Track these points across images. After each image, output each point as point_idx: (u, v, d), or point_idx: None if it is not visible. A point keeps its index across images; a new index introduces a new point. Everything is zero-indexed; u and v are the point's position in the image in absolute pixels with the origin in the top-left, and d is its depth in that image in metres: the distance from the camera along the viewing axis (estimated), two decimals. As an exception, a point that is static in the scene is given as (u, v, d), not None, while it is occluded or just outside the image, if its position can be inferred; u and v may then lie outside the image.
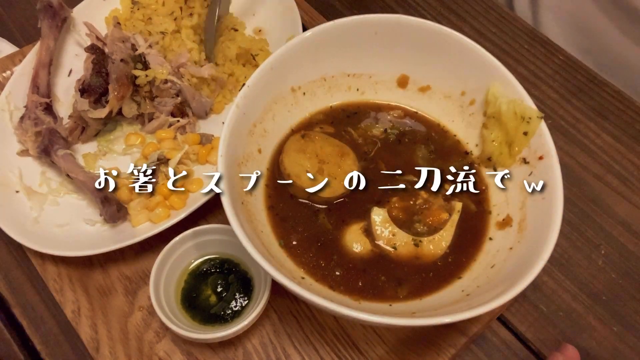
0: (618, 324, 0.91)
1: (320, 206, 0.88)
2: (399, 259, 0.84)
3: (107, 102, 1.00)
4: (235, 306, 0.86)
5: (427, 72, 0.96)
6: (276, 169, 0.91)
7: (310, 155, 0.89)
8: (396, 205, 0.88)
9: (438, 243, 0.85)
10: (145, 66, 1.04)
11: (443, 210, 0.87)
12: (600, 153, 1.07)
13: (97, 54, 1.03)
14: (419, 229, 0.86)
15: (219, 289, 0.87)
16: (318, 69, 0.95)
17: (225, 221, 0.74)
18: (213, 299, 0.87)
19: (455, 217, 0.86)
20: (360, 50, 0.94)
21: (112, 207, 0.92)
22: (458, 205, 0.87)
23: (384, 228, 0.86)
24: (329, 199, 0.88)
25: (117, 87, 1.00)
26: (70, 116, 1.03)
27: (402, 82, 0.98)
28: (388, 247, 0.85)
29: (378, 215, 0.86)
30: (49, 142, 0.97)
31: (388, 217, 0.86)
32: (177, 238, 0.87)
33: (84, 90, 1.01)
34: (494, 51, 0.89)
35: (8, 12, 1.31)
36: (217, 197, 0.79)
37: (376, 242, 0.85)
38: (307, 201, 0.88)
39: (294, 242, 0.85)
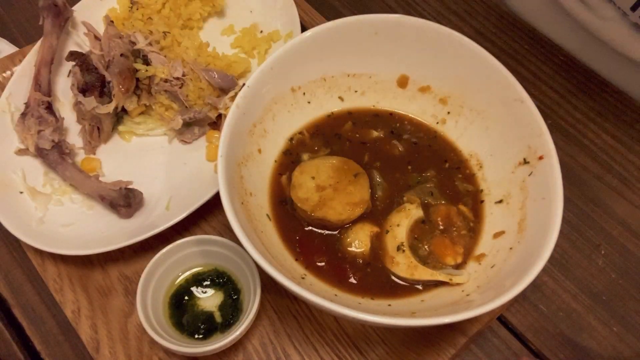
0: (618, 324, 0.91)
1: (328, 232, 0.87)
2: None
3: (112, 95, 1.01)
4: (226, 317, 0.85)
5: (427, 72, 0.95)
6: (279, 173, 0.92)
7: (320, 181, 0.88)
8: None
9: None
10: (146, 61, 1.04)
11: (452, 251, 0.84)
12: (600, 153, 1.07)
13: (78, 57, 1.04)
14: (420, 252, 0.85)
15: (208, 302, 0.86)
16: (318, 69, 0.95)
17: (223, 222, 0.74)
18: (202, 311, 0.86)
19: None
20: (360, 50, 0.94)
21: (122, 208, 0.93)
22: (462, 278, 0.81)
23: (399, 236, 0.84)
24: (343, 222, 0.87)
25: (122, 80, 1.00)
26: (82, 120, 1.04)
27: (402, 82, 0.98)
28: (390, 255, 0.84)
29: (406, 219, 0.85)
30: (54, 160, 0.99)
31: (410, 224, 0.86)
32: (157, 256, 0.85)
33: (84, 89, 1.02)
34: (494, 51, 0.89)
35: (8, 12, 1.31)
36: (217, 197, 0.79)
37: (383, 246, 0.85)
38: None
39: (295, 242, 0.86)
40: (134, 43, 1.06)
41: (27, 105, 1.02)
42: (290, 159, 0.93)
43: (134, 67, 1.03)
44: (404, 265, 0.83)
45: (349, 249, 0.85)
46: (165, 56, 1.06)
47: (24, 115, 1.01)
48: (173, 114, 1.04)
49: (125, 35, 1.07)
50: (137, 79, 1.04)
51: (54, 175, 1.00)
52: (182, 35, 1.10)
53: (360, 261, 0.84)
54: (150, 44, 1.06)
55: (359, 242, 0.85)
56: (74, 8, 1.14)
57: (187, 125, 1.04)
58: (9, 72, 1.13)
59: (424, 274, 0.82)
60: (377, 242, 0.86)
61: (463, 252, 0.85)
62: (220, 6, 1.19)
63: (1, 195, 0.94)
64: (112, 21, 1.10)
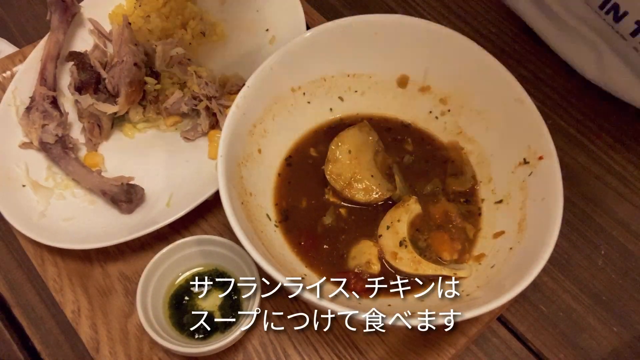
0: (618, 324, 0.91)
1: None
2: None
3: (115, 101, 1.01)
4: (226, 317, 0.85)
5: (427, 72, 0.95)
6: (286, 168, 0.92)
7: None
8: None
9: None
10: (156, 75, 1.05)
11: (449, 246, 0.85)
12: (600, 153, 1.07)
13: (76, 57, 1.05)
14: (420, 244, 0.86)
15: (208, 302, 0.86)
16: (318, 69, 0.95)
17: (223, 222, 0.74)
18: (202, 311, 0.86)
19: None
20: (360, 50, 0.94)
21: (123, 204, 0.94)
22: (465, 272, 0.82)
23: (398, 229, 0.85)
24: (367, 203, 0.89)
25: (130, 91, 1.01)
26: (80, 118, 1.04)
27: (402, 82, 0.98)
28: (392, 252, 0.84)
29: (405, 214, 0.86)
30: (58, 154, 0.99)
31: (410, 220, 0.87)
32: (157, 256, 0.86)
33: (80, 88, 1.02)
34: (494, 51, 0.89)
35: (8, 12, 1.31)
36: (217, 196, 0.79)
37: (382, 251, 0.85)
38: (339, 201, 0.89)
39: (295, 242, 0.86)
40: (148, 54, 1.06)
41: (32, 99, 1.02)
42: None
43: (144, 80, 1.03)
44: (407, 261, 0.83)
45: (356, 266, 0.85)
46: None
47: (29, 109, 1.01)
48: (174, 122, 1.06)
49: (139, 44, 1.06)
50: (145, 90, 1.04)
51: (56, 170, 1.01)
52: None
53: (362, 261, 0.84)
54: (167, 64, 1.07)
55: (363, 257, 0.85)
56: (81, 4, 1.14)
57: (190, 118, 1.06)
58: (9, 72, 1.13)
59: (428, 268, 0.82)
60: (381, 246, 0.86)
61: (460, 250, 0.85)
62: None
63: (3, 188, 0.95)
64: (129, 23, 1.10)
